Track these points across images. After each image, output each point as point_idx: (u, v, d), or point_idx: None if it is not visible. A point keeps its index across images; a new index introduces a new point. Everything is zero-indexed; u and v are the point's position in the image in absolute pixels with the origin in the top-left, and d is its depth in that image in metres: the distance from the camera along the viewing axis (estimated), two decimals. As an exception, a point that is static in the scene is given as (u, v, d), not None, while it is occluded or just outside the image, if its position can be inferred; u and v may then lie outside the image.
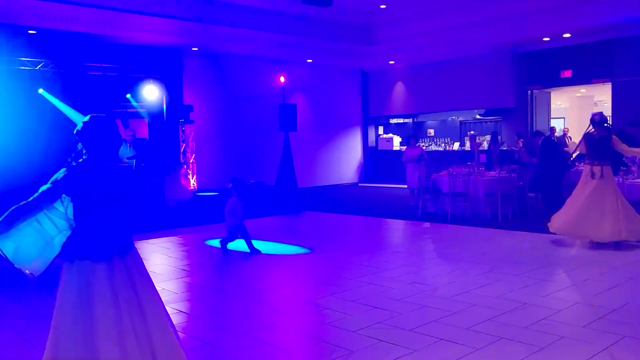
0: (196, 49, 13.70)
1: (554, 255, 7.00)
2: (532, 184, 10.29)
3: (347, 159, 18.34)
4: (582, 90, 16.62)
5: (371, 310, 4.91)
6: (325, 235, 9.09)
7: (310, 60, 16.31)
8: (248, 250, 7.47)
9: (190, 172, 13.53)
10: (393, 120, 19.01)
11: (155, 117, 12.92)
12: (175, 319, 4.92)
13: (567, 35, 13.37)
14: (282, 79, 12.80)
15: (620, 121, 11.99)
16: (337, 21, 15.00)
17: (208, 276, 6.72)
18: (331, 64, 17.13)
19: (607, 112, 14.33)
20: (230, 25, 12.74)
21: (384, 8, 15.28)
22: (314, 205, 12.54)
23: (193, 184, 13.51)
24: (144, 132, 13.09)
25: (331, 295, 5.43)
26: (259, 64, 15.37)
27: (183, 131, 13.50)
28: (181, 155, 13.48)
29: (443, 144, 17.49)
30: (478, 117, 17.07)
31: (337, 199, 14.04)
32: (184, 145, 13.53)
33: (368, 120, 18.81)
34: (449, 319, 4.61)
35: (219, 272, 6.88)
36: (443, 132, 18.07)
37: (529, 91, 15.23)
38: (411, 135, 12.08)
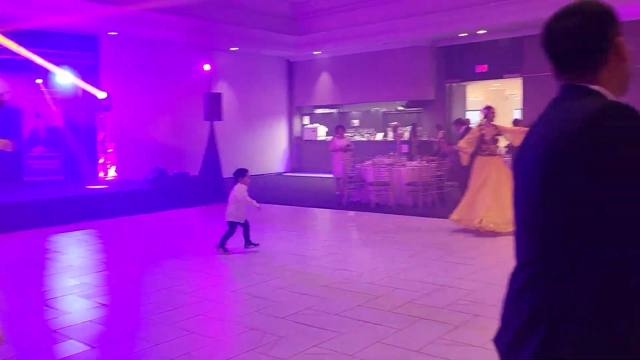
0: (115, 33, 13.18)
1: (469, 241, 7.44)
2: (450, 173, 10.80)
3: (273, 148, 18.36)
4: (496, 84, 17.56)
5: (299, 297, 5.04)
6: (250, 225, 9.11)
7: (236, 49, 16.15)
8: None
9: (109, 162, 13.05)
10: (318, 111, 19.22)
11: (70, 104, 12.34)
12: (98, 313, 4.81)
13: (482, 31, 14.08)
14: (207, 67, 12.60)
15: (531, 116, 12.82)
16: (263, 10, 14.93)
17: (128, 269, 6.58)
18: (257, 52, 17.05)
19: (519, 105, 15.31)
20: (149, 9, 12.34)
21: (309, -1, 15.42)
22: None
23: (113, 174, 13.04)
24: (57, 120, 12.48)
25: (259, 284, 5.50)
26: (183, 51, 15.02)
27: (101, 119, 12.99)
28: (99, 144, 12.97)
29: (367, 135, 17.90)
30: (400, 108, 17.60)
31: (263, 189, 14.06)
32: (103, 134, 13.02)
33: (294, 110, 18.92)
34: (373, 303, 4.82)
35: (139, 266, 6.75)
36: (367, 122, 18.48)
37: (447, 84, 15.92)
38: (339, 125, 12.31)
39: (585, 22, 1.36)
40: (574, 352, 1.28)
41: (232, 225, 6.98)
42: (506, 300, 1.48)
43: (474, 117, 18.25)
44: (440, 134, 14.45)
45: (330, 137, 14.69)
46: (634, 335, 1.29)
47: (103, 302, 5.08)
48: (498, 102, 18.43)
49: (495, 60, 14.90)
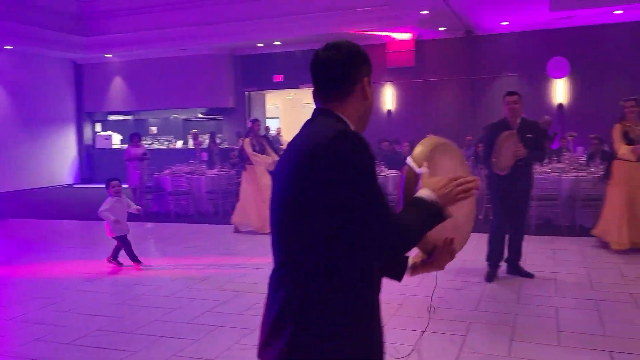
0: None
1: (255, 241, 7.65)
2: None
3: (60, 158, 16.71)
4: (292, 93, 18.44)
5: (88, 318, 4.67)
6: (31, 245, 8.17)
7: (11, 47, 14.37)
8: None
9: None
10: (112, 117, 18.06)
11: None
12: None
13: (277, 42, 14.67)
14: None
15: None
16: (44, 6, 13.56)
17: None
18: (38, 53, 15.40)
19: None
20: None
21: (97, -2, 14.46)
22: (19, 212, 11.16)
23: None
24: None
25: (41, 309, 4.96)
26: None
27: None
28: None
29: (166, 142, 17.36)
30: (200, 115, 17.45)
31: (49, 203, 12.75)
32: None
33: (83, 117, 17.49)
34: (170, 316, 4.68)
35: None
36: (166, 130, 17.92)
37: (246, 92, 16.24)
38: (133, 133, 11.69)
39: (342, 57, 1.58)
40: (319, 349, 1.43)
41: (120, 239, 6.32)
42: (266, 300, 1.57)
43: (273, 125, 18.97)
44: (241, 141, 14.68)
45: (125, 146, 13.90)
46: (375, 334, 1.53)
47: None
48: (295, 110, 19.43)
49: (291, 71, 15.62)
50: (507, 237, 5.64)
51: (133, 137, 11.32)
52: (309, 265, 1.44)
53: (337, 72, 1.57)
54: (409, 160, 1.61)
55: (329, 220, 1.40)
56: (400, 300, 4.83)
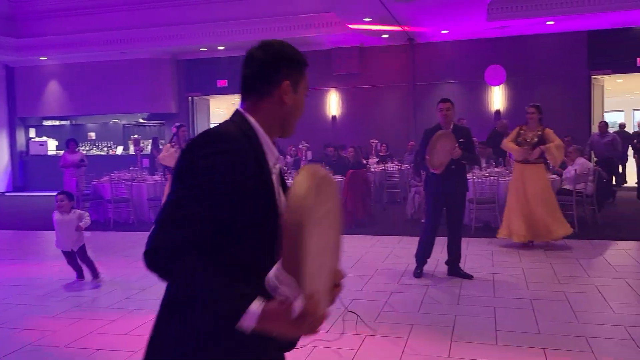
0: None
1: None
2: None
3: (-9, 165, 15.87)
4: (237, 98, 18.23)
5: (20, 332, 4.43)
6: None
7: None
8: None
9: None
10: (47, 122, 17.32)
11: None
12: None
13: (221, 47, 14.51)
14: None
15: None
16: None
17: None
18: (-36, 54, 14.60)
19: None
20: None
21: (30, -2, 13.88)
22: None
23: None
24: None
25: (-34, 325, 4.67)
26: None
27: None
28: None
29: (106, 148, 16.82)
30: (141, 121, 17.00)
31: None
32: None
33: (16, 122, 16.69)
34: (108, 328, 4.51)
35: None
36: (105, 135, 17.36)
37: (189, 97, 15.96)
38: (70, 139, 11.24)
39: (266, 56, 1.51)
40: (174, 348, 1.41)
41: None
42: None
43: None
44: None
45: (61, 152, 13.36)
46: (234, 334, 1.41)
47: None
48: (240, 116, 19.23)
49: (235, 76, 15.28)
50: (446, 239, 5.80)
51: (69, 143, 10.91)
52: (178, 256, 1.35)
53: (254, 71, 1.51)
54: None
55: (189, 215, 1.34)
56: (345, 304, 4.86)
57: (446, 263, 5.87)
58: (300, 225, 1.19)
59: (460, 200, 5.77)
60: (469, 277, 5.71)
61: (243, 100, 1.55)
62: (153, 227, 1.35)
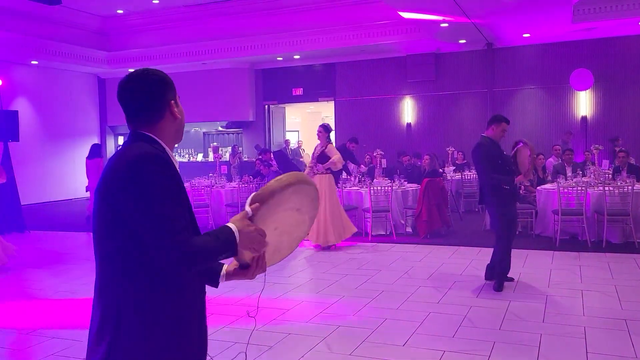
0: None
1: (284, 259, 7.59)
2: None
3: (83, 171, 16.91)
4: (311, 106, 18.46)
5: None
6: (53, 256, 8.25)
7: (36, 62, 14.68)
8: None
9: None
10: (134, 131, 18.25)
11: None
12: None
13: (297, 56, 14.73)
14: (-1, 82, 11.21)
15: (342, 137, 13.68)
16: (68, 22, 13.85)
17: None
18: (62, 68, 15.68)
19: (332, 127, 16.25)
20: None
21: (121, 13, 14.70)
22: (42, 224, 11.31)
23: None
24: None
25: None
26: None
27: None
28: None
29: (187, 155, 17.50)
30: (220, 129, 17.56)
31: (70, 215, 12.91)
32: None
33: (106, 130, 17.74)
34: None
35: None
36: (186, 143, 18.06)
37: (266, 106, 16.31)
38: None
39: (146, 86, 1.73)
40: (137, 354, 1.60)
41: None
42: (91, 310, 1.71)
43: (293, 138, 18.99)
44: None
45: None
46: (195, 336, 1.73)
47: None
48: (315, 123, 19.38)
49: (310, 84, 15.66)
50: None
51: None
52: (120, 274, 1.61)
53: (145, 102, 1.73)
54: (250, 199, 1.75)
55: (122, 233, 1.60)
56: (422, 317, 4.73)
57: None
58: (273, 191, 1.74)
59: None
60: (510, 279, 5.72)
61: (137, 127, 1.74)
62: (158, 242, 1.56)
